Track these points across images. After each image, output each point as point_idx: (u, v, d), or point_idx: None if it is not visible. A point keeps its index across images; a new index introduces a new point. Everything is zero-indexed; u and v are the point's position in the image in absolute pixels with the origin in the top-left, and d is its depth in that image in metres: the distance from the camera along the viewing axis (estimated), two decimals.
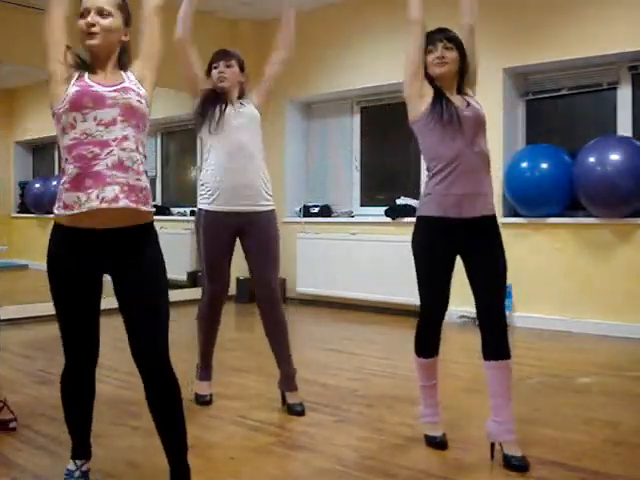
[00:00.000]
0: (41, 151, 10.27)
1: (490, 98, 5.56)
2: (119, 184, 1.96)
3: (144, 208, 2.03)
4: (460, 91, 2.68)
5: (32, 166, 10.57)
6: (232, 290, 7.05)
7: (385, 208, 6.23)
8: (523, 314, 5.32)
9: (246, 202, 3.13)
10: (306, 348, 4.99)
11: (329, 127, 7.10)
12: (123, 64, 2.12)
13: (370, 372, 3.97)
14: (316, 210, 6.79)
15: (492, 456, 2.54)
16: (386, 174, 6.75)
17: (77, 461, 2.25)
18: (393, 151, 6.73)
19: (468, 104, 2.62)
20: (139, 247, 2.06)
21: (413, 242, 2.70)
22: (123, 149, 1.98)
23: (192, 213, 6.88)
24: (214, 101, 3.17)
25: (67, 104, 2.00)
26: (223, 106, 3.16)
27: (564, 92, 5.52)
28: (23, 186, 10.08)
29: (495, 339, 2.55)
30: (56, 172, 9.13)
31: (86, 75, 2.05)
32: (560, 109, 5.60)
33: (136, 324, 2.06)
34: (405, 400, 3.39)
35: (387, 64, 6.10)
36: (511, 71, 5.56)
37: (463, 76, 2.70)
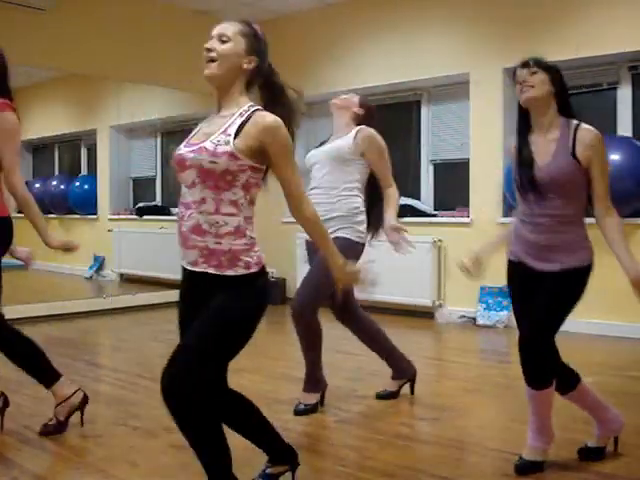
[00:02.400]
0: (41, 151, 10.27)
1: (490, 98, 5.57)
2: (199, 248, 1.95)
3: (229, 273, 1.96)
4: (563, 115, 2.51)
5: (32, 166, 10.56)
6: None
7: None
8: None
9: None
10: None
11: (329, 127, 7.08)
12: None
13: (370, 372, 3.97)
14: None
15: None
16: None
17: (266, 463, 2.28)
18: (393, 151, 6.72)
19: (557, 150, 2.45)
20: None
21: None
22: (201, 212, 1.94)
23: None
24: None
25: None
26: None
27: None
28: None
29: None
30: (56, 172, 9.14)
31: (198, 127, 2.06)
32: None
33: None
34: (405, 400, 3.39)
35: (387, 64, 6.10)
36: (511, 71, 5.55)
37: (561, 101, 2.53)
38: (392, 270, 5.89)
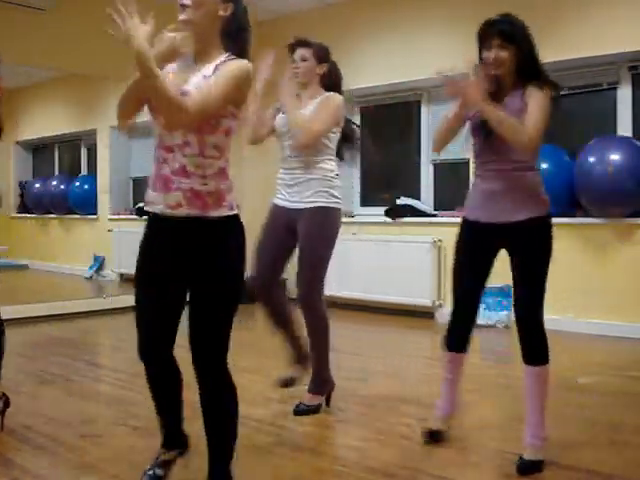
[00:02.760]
0: (41, 151, 10.27)
1: None
2: (182, 190, 1.94)
3: (213, 214, 1.97)
4: (521, 85, 2.50)
5: (32, 166, 10.56)
6: None
7: (385, 208, 6.23)
8: None
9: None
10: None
11: None
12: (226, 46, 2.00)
13: (370, 372, 3.97)
14: None
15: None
16: (386, 174, 6.75)
17: (160, 450, 2.27)
18: (393, 151, 6.73)
19: (509, 100, 2.49)
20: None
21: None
22: (185, 155, 1.94)
23: None
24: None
25: None
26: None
27: (564, 92, 5.51)
28: (23, 186, 10.08)
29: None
30: (56, 172, 9.14)
31: (175, 65, 2.03)
32: (560, 109, 5.59)
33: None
34: (405, 400, 3.39)
35: (387, 64, 6.10)
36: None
37: (524, 70, 2.51)
38: (392, 270, 5.90)
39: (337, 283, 6.42)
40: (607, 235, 5.05)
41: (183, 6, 1.97)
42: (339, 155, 3.29)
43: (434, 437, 2.70)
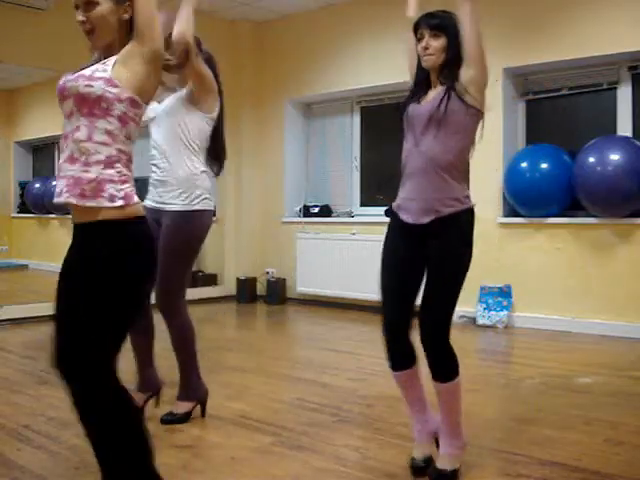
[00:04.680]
0: (41, 151, 10.27)
1: (490, 98, 5.56)
2: (66, 178, 1.89)
3: (90, 203, 1.85)
4: (449, 79, 2.38)
5: (32, 166, 10.56)
6: (232, 290, 7.08)
7: (385, 208, 6.22)
8: (523, 314, 5.31)
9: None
10: (306, 348, 5.00)
11: (329, 127, 7.10)
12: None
13: (370, 372, 3.97)
14: (316, 210, 6.80)
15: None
16: (386, 174, 6.75)
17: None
18: (393, 151, 6.72)
19: (443, 98, 2.35)
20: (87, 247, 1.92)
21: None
22: (74, 141, 1.89)
23: None
24: None
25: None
26: None
27: (564, 92, 5.52)
28: (23, 186, 10.08)
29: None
30: (56, 172, 9.15)
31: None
32: (560, 109, 5.60)
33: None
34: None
35: (387, 64, 6.10)
36: (511, 71, 5.56)
37: (453, 62, 2.38)
38: None
39: (337, 283, 6.43)
40: (607, 235, 5.05)
41: (84, 26, 1.94)
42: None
43: (424, 467, 2.45)
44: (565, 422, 2.99)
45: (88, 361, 1.88)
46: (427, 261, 2.38)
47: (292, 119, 7.09)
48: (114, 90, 1.87)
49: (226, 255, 7.17)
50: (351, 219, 6.62)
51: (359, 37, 6.41)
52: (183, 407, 3.01)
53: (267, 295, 6.90)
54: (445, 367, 2.33)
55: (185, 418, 2.99)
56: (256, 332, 5.78)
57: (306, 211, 6.83)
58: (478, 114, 2.41)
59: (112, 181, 1.87)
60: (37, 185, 9.59)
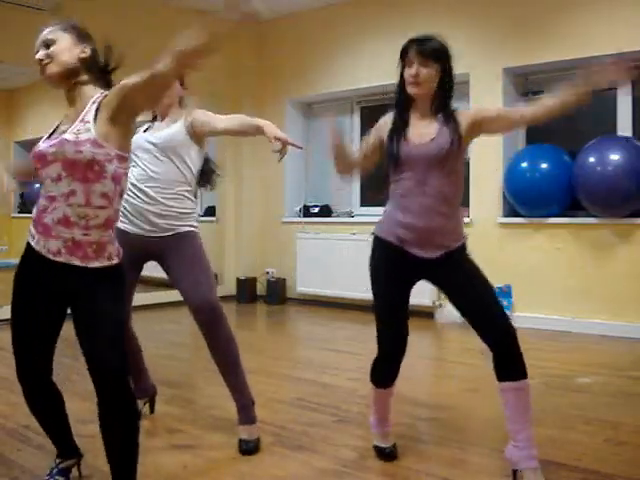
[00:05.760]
0: None
1: (490, 98, 5.56)
2: (63, 239, 1.93)
3: (95, 264, 1.95)
4: (441, 110, 2.33)
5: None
6: (232, 290, 7.08)
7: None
8: (523, 314, 5.32)
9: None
10: (306, 348, 5.00)
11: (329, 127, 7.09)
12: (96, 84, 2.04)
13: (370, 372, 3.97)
14: (316, 210, 6.80)
15: None
16: (386, 174, 6.74)
17: (57, 459, 2.33)
18: None
19: (438, 131, 2.30)
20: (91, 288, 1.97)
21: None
22: (70, 205, 1.91)
23: None
24: None
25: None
26: None
27: None
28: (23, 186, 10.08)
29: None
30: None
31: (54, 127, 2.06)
32: None
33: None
34: (405, 400, 3.39)
35: (387, 64, 6.08)
36: (511, 71, 5.56)
37: (445, 92, 2.33)
38: None
39: (337, 283, 6.43)
40: (607, 235, 5.05)
41: (41, 62, 2.00)
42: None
43: (388, 455, 2.59)
44: (565, 422, 2.99)
45: (123, 367, 1.99)
46: (448, 284, 2.41)
47: (292, 119, 7.10)
48: (103, 150, 1.90)
49: (226, 255, 7.18)
50: (351, 219, 6.62)
51: (359, 37, 6.41)
52: (253, 431, 2.74)
53: (267, 295, 6.90)
54: (522, 362, 2.31)
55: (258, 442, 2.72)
56: (256, 332, 5.78)
57: (306, 211, 6.83)
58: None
59: (110, 241, 2.00)
60: (37, 185, 9.58)
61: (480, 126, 2.34)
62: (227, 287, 7.07)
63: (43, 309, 2.04)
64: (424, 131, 2.34)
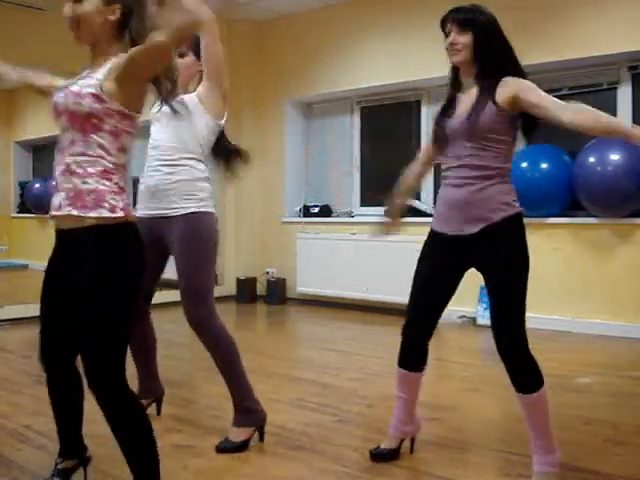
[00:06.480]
0: (41, 151, 10.27)
1: None
2: (66, 190, 1.94)
3: (92, 214, 1.90)
4: (482, 78, 2.35)
5: (32, 166, 10.56)
6: (232, 290, 7.08)
7: (385, 208, 6.23)
8: None
9: None
10: (306, 348, 5.00)
11: (329, 127, 7.10)
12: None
13: (370, 372, 3.97)
14: (316, 210, 6.80)
15: None
16: (386, 174, 6.74)
17: (57, 459, 2.29)
18: (393, 151, 6.73)
19: (477, 107, 2.31)
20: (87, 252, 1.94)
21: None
22: (71, 154, 1.96)
23: None
24: None
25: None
26: None
27: (564, 92, 5.52)
28: (23, 186, 10.08)
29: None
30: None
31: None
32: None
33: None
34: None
35: (387, 64, 6.10)
36: None
37: (484, 60, 2.36)
38: (392, 270, 5.90)
39: (337, 283, 6.43)
40: (607, 235, 5.05)
41: (69, 20, 1.98)
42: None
43: (384, 457, 2.55)
44: (565, 422, 2.98)
45: (116, 368, 1.97)
46: (483, 271, 2.36)
47: (292, 119, 7.10)
48: (103, 105, 1.90)
49: (226, 255, 7.17)
50: (351, 219, 6.62)
51: (359, 37, 6.41)
52: (242, 434, 2.69)
53: (267, 295, 6.90)
54: (528, 377, 2.27)
55: (243, 446, 2.66)
56: (256, 332, 5.78)
57: (306, 211, 6.83)
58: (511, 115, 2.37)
59: (111, 192, 1.93)
60: (37, 185, 9.58)
61: (521, 105, 2.32)
62: (227, 287, 7.07)
63: (65, 283, 2.03)
64: (465, 106, 2.37)
